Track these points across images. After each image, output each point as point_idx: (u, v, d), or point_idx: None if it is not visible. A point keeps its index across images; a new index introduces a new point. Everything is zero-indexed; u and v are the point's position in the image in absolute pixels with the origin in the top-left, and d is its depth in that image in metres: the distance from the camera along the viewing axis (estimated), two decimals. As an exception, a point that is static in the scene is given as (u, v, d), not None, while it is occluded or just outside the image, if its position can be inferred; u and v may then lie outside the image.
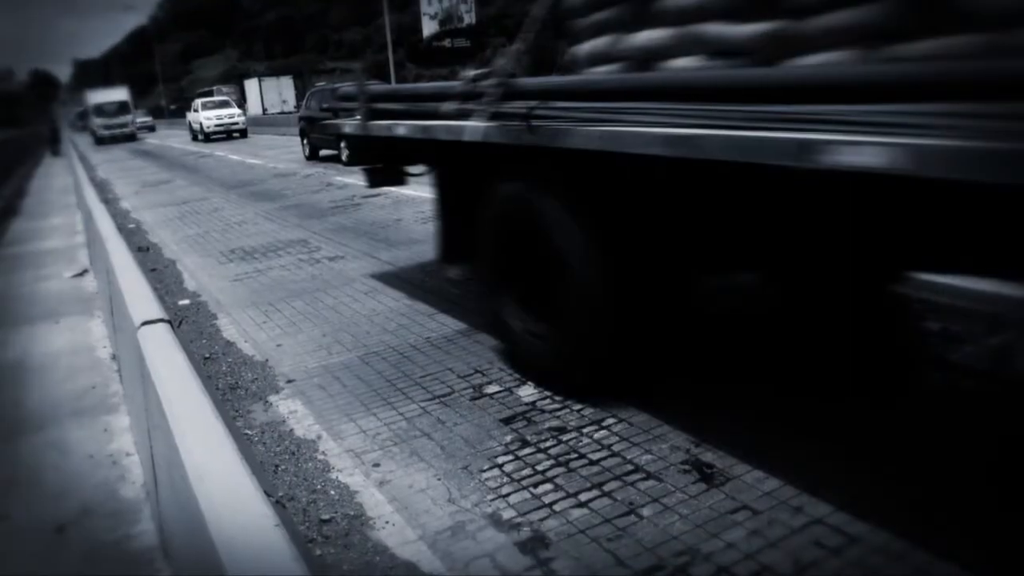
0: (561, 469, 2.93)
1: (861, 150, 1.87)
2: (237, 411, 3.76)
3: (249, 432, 3.51)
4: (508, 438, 3.22)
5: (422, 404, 3.64)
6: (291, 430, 3.50)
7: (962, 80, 1.78)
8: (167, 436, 2.06)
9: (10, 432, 3.61)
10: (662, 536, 2.47)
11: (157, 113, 64.59)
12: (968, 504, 2.50)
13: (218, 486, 1.68)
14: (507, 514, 2.67)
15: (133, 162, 24.30)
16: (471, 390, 3.75)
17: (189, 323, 5.41)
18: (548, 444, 3.13)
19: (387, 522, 2.68)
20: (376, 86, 6.71)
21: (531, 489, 2.81)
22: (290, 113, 33.53)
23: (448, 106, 3.83)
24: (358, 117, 5.10)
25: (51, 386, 4.21)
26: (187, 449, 1.88)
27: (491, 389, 3.74)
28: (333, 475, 3.05)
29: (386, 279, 6.12)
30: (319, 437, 3.40)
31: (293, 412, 3.70)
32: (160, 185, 15.92)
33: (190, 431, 1.99)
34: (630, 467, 2.90)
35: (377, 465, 3.09)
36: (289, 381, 4.11)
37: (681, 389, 3.51)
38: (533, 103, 3.18)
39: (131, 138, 38.15)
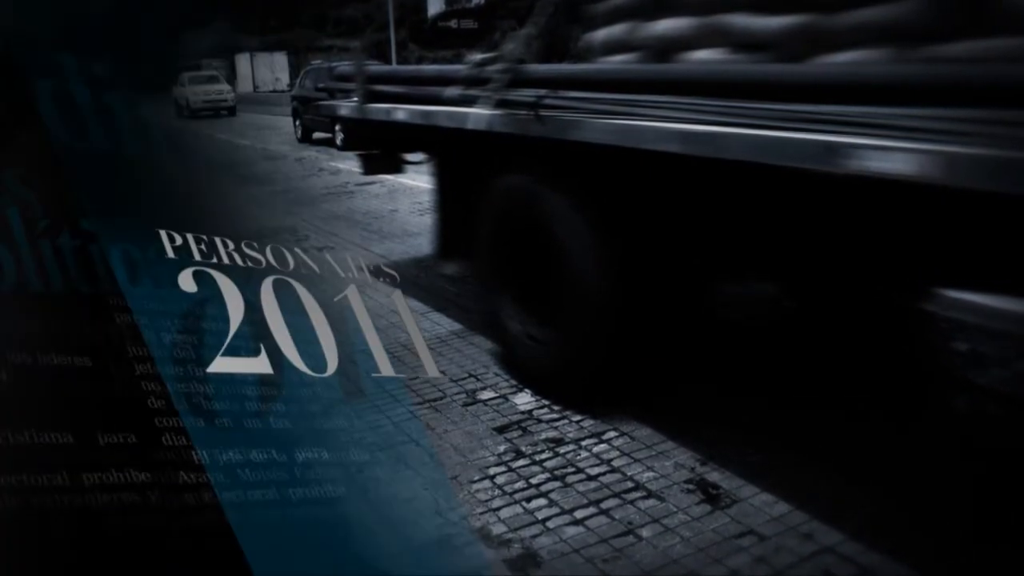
0: (557, 483, 2.93)
1: (890, 156, 1.87)
2: (213, 407, 3.76)
3: (225, 430, 3.51)
4: (501, 448, 3.22)
5: (410, 408, 3.63)
6: (270, 430, 3.50)
7: (1002, 84, 1.78)
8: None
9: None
10: (661, 559, 2.47)
11: (140, 86, 64.64)
12: (988, 539, 2.50)
13: (190, 487, 1.68)
14: (497, 529, 2.67)
15: (113, 137, 24.30)
16: (464, 395, 3.75)
17: (166, 311, 5.41)
18: (544, 456, 3.13)
19: (369, 532, 2.68)
20: (375, 67, 6.70)
21: (524, 503, 2.82)
22: (283, 92, 33.56)
23: (451, 91, 3.83)
24: (355, 99, 5.10)
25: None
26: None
27: (485, 395, 3.74)
28: (313, 480, 3.05)
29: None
30: (300, 439, 3.39)
31: (273, 411, 3.70)
32: (141, 163, 15.92)
33: (162, 427, 1.98)
34: (630, 484, 2.90)
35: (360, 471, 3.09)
36: (270, 378, 4.10)
37: (689, 402, 3.51)
38: (543, 92, 3.18)
39: (112, 112, 38.25)
